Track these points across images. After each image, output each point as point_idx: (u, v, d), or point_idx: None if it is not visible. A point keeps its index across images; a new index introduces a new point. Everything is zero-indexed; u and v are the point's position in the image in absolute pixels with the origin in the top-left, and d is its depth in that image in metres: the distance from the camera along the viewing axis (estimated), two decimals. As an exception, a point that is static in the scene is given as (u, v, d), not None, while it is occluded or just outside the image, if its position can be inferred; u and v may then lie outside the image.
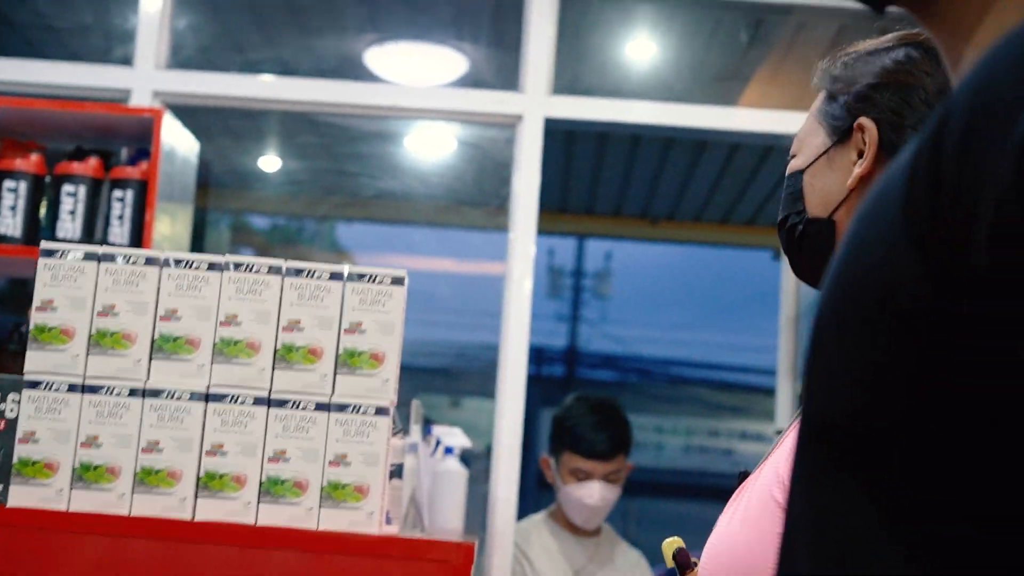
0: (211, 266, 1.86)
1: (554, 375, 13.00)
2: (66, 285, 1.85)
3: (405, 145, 7.17)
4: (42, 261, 1.86)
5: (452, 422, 3.65)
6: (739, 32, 5.20)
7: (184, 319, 1.84)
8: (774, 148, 6.87)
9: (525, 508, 3.96)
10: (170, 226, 3.52)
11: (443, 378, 10.16)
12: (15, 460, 1.80)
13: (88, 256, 1.86)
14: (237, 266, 1.85)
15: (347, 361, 1.82)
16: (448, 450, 3.13)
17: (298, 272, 1.85)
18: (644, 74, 5.61)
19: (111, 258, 1.86)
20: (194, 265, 1.86)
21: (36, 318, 1.84)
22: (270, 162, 7.52)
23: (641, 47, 5.44)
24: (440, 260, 9.71)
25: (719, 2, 4.57)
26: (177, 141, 3.54)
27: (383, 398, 1.82)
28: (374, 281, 1.85)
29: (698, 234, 9.02)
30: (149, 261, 1.86)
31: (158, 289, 1.85)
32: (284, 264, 1.86)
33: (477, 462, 3.88)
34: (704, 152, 7.33)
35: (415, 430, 2.96)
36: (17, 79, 4.23)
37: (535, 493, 6.21)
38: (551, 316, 12.56)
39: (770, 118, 4.34)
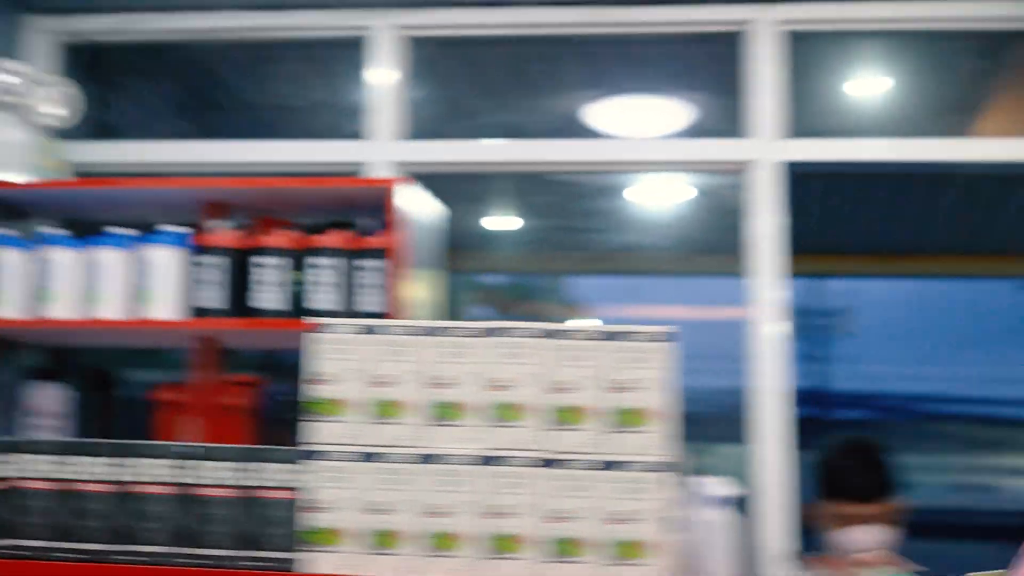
0: (480, 332, 1.90)
1: (802, 416, 12.78)
2: (340, 357, 1.92)
3: (634, 197, 7.19)
4: (315, 335, 1.93)
5: (703, 469, 3.61)
6: (976, 60, 5.06)
7: (457, 385, 1.89)
8: (1020, 177, 6.63)
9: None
10: (420, 291, 3.60)
11: (687, 425, 10.11)
12: (309, 528, 1.87)
13: (358, 329, 1.93)
14: (504, 331, 1.89)
15: (621, 419, 1.84)
16: (716, 499, 3.11)
17: (564, 334, 1.88)
18: (874, 110, 5.51)
19: (381, 330, 1.92)
20: (462, 332, 1.91)
21: (315, 390, 1.91)
22: (504, 222, 7.63)
23: (871, 82, 5.34)
24: (671, 307, 9.69)
25: (953, 32, 4.45)
26: (421, 208, 3.62)
27: (662, 453, 1.83)
28: (640, 339, 1.86)
29: (942, 267, 8.78)
30: (418, 330, 1.92)
31: (429, 358, 1.91)
32: (551, 327, 1.89)
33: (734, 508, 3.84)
34: (944, 184, 7.13)
35: (685, 480, 2.95)
36: (266, 159, 4.42)
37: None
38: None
39: (1014, 146, 4.22)
